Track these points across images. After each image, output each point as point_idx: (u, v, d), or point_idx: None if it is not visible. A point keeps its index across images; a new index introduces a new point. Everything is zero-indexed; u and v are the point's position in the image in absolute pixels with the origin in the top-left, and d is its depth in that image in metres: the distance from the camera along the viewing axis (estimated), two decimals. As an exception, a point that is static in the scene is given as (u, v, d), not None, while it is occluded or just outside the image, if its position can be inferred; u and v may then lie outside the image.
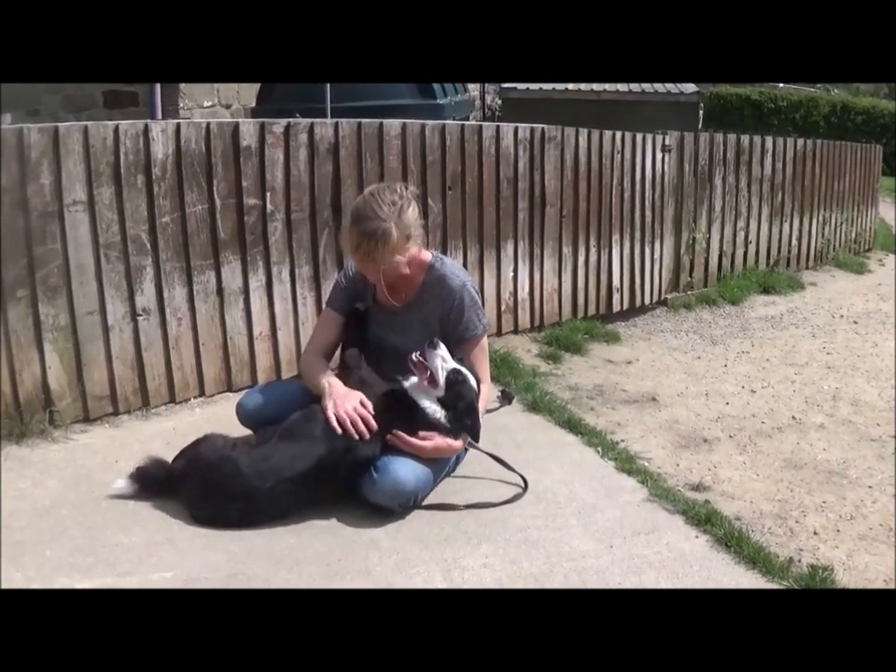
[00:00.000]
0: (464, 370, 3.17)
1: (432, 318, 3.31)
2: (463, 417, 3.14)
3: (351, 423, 3.00)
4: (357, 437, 3.00)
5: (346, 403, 3.05)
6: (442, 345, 3.15)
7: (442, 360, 3.13)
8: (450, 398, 3.12)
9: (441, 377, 3.11)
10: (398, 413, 3.11)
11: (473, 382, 3.18)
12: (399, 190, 3.17)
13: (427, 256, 3.33)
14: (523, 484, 3.31)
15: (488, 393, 3.46)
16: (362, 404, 3.06)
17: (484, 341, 3.42)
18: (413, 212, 3.16)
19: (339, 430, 2.99)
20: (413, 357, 3.13)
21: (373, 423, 3.03)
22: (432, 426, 3.11)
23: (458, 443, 3.19)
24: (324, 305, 3.76)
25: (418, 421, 3.11)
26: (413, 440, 3.07)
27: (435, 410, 3.12)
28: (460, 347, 3.30)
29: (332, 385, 3.13)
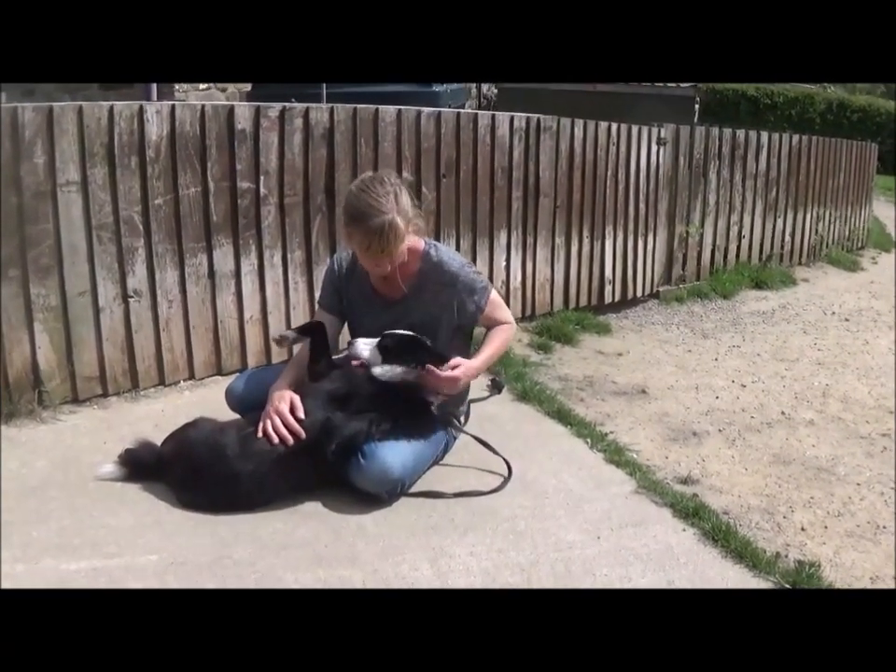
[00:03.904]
0: (390, 332, 3.22)
1: (434, 305, 3.30)
2: (416, 350, 3.16)
3: (274, 430, 2.98)
4: (281, 442, 2.96)
5: (271, 410, 3.02)
6: (358, 341, 3.21)
7: (364, 343, 3.18)
8: (389, 353, 3.15)
9: (367, 352, 3.16)
10: (382, 397, 3.12)
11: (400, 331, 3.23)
12: (387, 179, 3.15)
13: (420, 243, 3.32)
14: (507, 471, 3.32)
15: (511, 330, 3.50)
16: (291, 407, 3.03)
17: (495, 294, 3.44)
18: (406, 198, 3.14)
19: (275, 440, 2.96)
20: (352, 363, 3.18)
21: (293, 423, 2.97)
22: (416, 397, 3.16)
23: (473, 362, 3.26)
24: (317, 300, 3.77)
25: (403, 401, 3.14)
26: (445, 372, 3.12)
27: (393, 368, 3.14)
28: (481, 317, 3.38)
29: (270, 396, 3.10)
